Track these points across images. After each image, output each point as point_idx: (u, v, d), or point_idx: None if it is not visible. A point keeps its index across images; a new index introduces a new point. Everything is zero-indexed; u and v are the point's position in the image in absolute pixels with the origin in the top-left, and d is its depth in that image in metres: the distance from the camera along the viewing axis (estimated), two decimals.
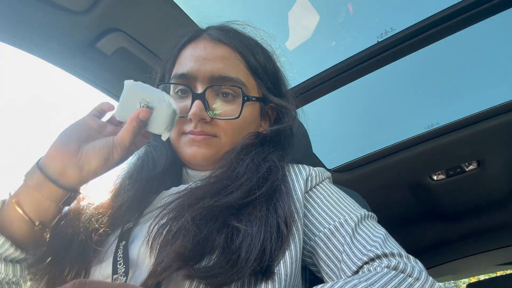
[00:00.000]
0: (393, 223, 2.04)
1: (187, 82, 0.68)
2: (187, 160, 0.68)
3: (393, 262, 0.48)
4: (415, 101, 1.87)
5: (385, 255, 0.50)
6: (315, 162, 1.67)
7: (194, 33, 0.74)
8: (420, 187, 1.86)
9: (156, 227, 0.53)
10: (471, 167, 1.74)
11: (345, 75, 1.37)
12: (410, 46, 1.27)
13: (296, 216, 0.58)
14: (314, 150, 1.49)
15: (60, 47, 1.02)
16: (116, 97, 1.20)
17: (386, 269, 0.46)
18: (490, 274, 3.26)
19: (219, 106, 0.66)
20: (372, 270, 0.48)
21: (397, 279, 0.44)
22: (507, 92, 1.53)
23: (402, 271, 0.46)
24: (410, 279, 0.44)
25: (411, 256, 0.50)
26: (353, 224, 0.57)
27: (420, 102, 1.86)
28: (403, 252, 0.51)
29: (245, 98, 0.67)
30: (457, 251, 2.42)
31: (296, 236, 0.56)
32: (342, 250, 0.54)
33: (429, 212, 2.06)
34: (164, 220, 0.53)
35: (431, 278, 0.45)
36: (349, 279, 0.44)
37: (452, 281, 8.98)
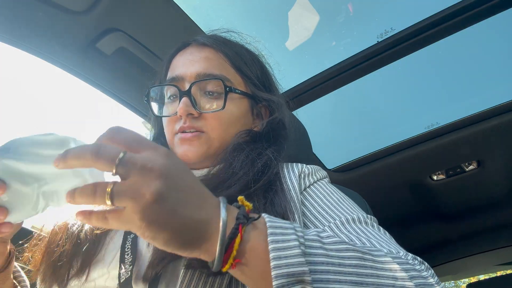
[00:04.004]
0: (393, 223, 2.04)
1: (176, 84, 0.71)
2: None
3: (401, 253, 0.46)
4: (415, 101, 1.87)
5: (395, 252, 0.48)
6: (315, 162, 1.67)
7: (183, 43, 0.77)
8: (420, 187, 1.86)
9: None
10: (471, 167, 1.74)
11: (345, 75, 1.37)
12: (410, 46, 1.27)
13: (291, 217, 0.58)
14: (314, 150, 1.49)
15: (60, 47, 1.02)
16: (117, 97, 1.20)
17: (404, 258, 0.45)
18: (490, 274, 3.26)
19: (206, 103, 0.69)
20: None
21: (414, 272, 0.42)
22: (507, 92, 1.53)
23: (419, 265, 0.45)
24: (425, 273, 0.43)
25: (418, 257, 0.48)
26: (357, 222, 0.56)
27: (420, 102, 1.86)
28: (410, 254, 0.49)
29: (227, 89, 0.68)
30: (457, 251, 2.42)
31: None
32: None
33: (429, 212, 2.06)
34: None
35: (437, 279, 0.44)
36: (371, 247, 0.44)
37: (452, 281, 8.99)
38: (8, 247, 0.55)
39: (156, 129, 0.82)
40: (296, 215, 0.59)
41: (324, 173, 0.71)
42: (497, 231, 2.20)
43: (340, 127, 2.02)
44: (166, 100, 0.74)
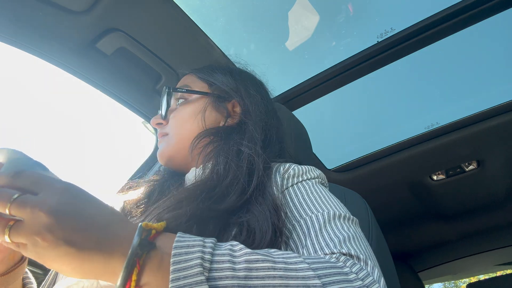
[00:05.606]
0: (393, 223, 2.05)
1: None
2: (160, 162, 0.80)
3: (342, 257, 0.46)
4: (415, 101, 1.87)
5: (340, 253, 0.48)
6: (315, 162, 1.67)
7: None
8: (420, 187, 1.86)
9: (151, 216, 0.58)
10: (471, 167, 1.75)
11: (345, 75, 1.37)
12: (410, 46, 1.27)
13: (283, 221, 0.58)
14: (314, 150, 1.49)
15: (60, 47, 1.02)
16: (117, 97, 1.20)
17: (333, 259, 0.45)
18: (490, 274, 3.26)
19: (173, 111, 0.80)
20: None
21: (336, 269, 0.42)
22: (507, 92, 1.53)
23: (348, 267, 0.44)
24: (352, 275, 0.42)
25: (370, 262, 0.47)
26: (322, 221, 0.55)
27: (420, 102, 1.86)
28: (362, 256, 0.47)
29: (168, 89, 0.80)
30: (457, 251, 2.42)
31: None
32: (304, 244, 0.53)
33: (429, 212, 2.06)
34: (160, 210, 0.58)
35: (377, 285, 0.43)
36: (292, 253, 0.44)
37: (452, 281, 8.99)
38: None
39: None
40: (282, 213, 0.59)
41: (316, 173, 0.70)
42: (497, 231, 2.20)
43: (340, 127, 2.02)
44: None
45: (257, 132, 0.72)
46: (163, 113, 0.79)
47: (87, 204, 0.40)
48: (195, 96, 0.79)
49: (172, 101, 0.82)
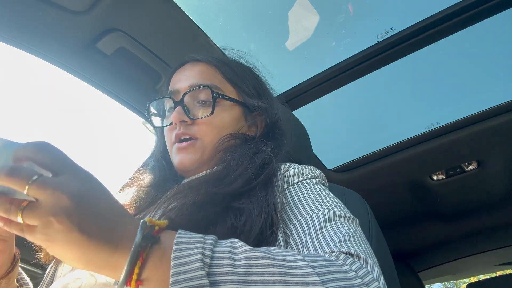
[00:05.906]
0: (393, 223, 2.05)
1: (172, 97, 0.75)
2: (178, 169, 0.74)
3: (342, 256, 0.46)
4: (415, 101, 1.87)
5: (340, 251, 0.48)
6: (315, 162, 1.67)
7: (180, 62, 0.83)
8: (420, 187, 1.86)
9: (160, 210, 0.57)
10: (471, 167, 1.75)
11: (345, 75, 1.37)
12: (410, 46, 1.28)
13: (279, 212, 0.59)
14: (314, 150, 1.49)
15: (60, 47, 1.02)
16: (117, 97, 1.20)
17: (333, 257, 0.45)
18: (490, 274, 3.26)
19: (198, 111, 0.73)
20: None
21: (336, 267, 0.42)
22: (507, 92, 1.54)
23: (348, 265, 0.44)
24: (352, 273, 0.42)
25: (369, 260, 0.47)
26: (322, 220, 0.55)
27: (420, 102, 1.87)
28: (362, 254, 0.47)
29: (215, 94, 0.72)
30: (457, 251, 2.42)
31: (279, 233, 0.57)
32: (304, 243, 0.53)
33: (429, 212, 2.06)
34: (169, 201, 0.58)
35: (376, 284, 0.42)
36: (291, 251, 0.44)
37: (452, 281, 8.99)
38: (13, 252, 0.56)
39: (159, 144, 0.86)
40: (280, 214, 0.60)
41: (316, 173, 0.70)
42: (497, 231, 2.20)
43: (340, 127, 2.02)
44: (166, 114, 0.79)
45: (275, 140, 0.75)
46: (200, 114, 0.72)
47: (104, 196, 0.40)
48: (228, 102, 0.75)
49: (189, 99, 0.74)
